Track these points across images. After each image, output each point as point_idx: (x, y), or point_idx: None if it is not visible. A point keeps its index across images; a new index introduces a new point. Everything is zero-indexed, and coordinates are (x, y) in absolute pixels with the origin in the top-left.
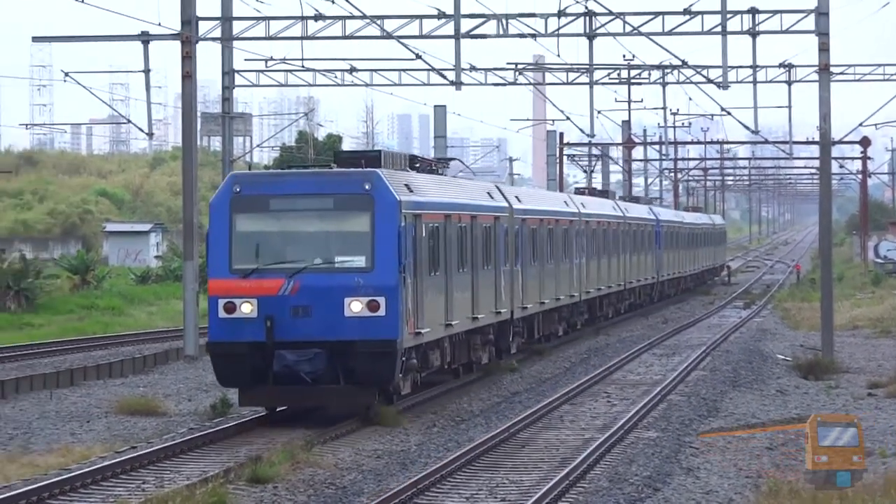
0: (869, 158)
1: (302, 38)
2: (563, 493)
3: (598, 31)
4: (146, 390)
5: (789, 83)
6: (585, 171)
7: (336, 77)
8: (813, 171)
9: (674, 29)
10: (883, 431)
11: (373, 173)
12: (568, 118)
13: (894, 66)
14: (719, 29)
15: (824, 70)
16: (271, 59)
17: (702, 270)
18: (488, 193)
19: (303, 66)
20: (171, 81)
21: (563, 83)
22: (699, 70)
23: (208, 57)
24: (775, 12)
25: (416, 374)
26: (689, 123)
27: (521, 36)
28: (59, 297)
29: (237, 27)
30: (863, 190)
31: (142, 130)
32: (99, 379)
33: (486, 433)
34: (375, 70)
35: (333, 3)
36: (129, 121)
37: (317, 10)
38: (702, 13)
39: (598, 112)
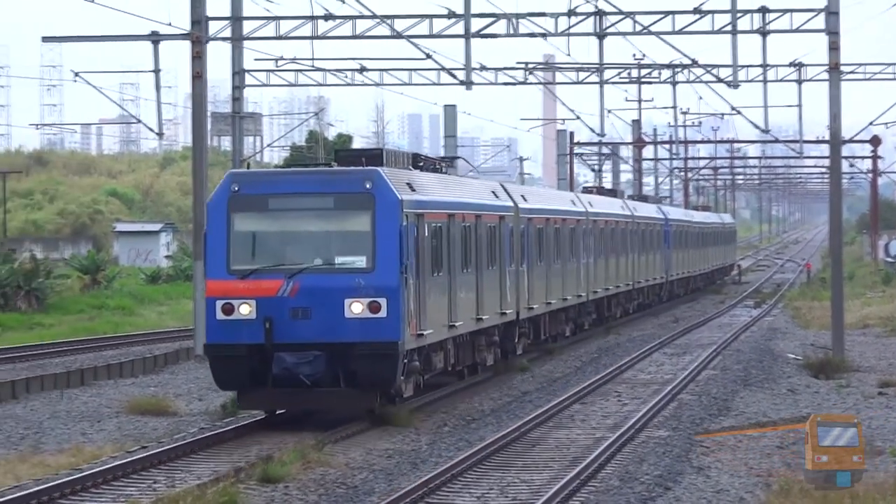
0: (879, 157)
1: (312, 37)
2: (574, 492)
3: (608, 31)
4: (157, 390)
5: (799, 82)
6: (594, 171)
7: (346, 77)
8: (823, 170)
9: (684, 28)
10: (893, 430)
11: (373, 172)
12: (578, 117)
13: None
14: (729, 28)
15: (834, 69)
16: (281, 58)
17: (711, 270)
18: (493, 192)
19: (313, 66)
20: (181, 81)
21: (574, 83)
22: (709, 69)
23: (218, 57)
24: (785, 11)
25: (418, 377)
26: (700, 122)
27: (532, 35)
28: (70, 297)
29: (247, 27)
30: (873, 189)
31: (152, 130)
32: (109, 379)
33: (497, 432)
34: (386, 70)
35: (343, 2)
36: (140, 121)
37: (327, 10)
38: (712, 12)
39: (609, 111)
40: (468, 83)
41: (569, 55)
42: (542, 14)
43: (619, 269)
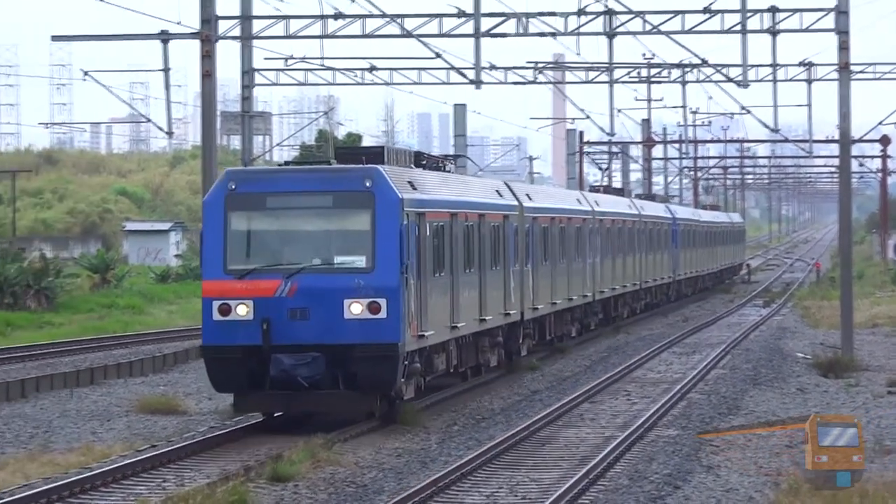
0: (889, 157)
1: (322, 36)
2: (584, 491)
3: (617, 30)
4: (166, 389)
5: (809, 81)
6: (601, 169)
7: (356, 76)
8: (833, 169)
9: (694, 27)
10: None
11: (373, 170)
12: (588, 117)
13: None
14: (739, 27)
15: (844, 68)
16: (291, 57)
17: (720, 269)
18: (497, 191)
19: (322, 65)
20: (190, 80)
21: (583, 82)
22: (719, 69)
23: (228, 56)
24: (795, 11)
25: (419, 379)
26: (709, 122)
27: (541, 35)
28: (80, 295)
29: (257, 26)
30: (882, 188)
31: (161, 129)
32: (119, 378)
33: (507, 431)
34: (395, 69)
35: (353, 1)
36: (149, 120)
37: (336, 9)
38: (722, 12)
39: (618, 111)
40: (478, 82)
41: (578, 54)
42: (552, 13)
43: (625, 269)
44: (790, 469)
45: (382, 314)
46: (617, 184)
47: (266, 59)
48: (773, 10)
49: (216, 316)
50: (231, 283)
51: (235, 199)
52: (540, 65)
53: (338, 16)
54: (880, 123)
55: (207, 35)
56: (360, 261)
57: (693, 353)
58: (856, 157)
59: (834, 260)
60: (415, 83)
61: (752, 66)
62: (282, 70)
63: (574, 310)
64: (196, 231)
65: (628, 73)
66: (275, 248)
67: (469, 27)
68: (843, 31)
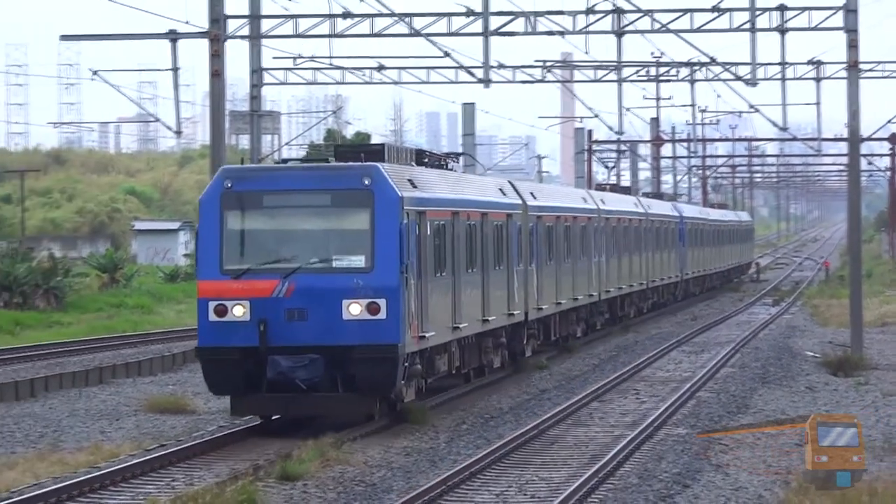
0: None
1: (330, 35)
2: (593, 489)
3: (626, 29)
4: (175, 388)
5: (818, 80)
6: (607, 167)
7: (364, 75)
8: (842, 167)
9: (702, 26)
10: None
11: (372, 167)
12: (596, 115)
13: None
14: (748, 26)
15: (853, 67)
16: (299, 57)
17: (728, 268)
18: (500, 190)
19: (331, 64)
20: (199, 80)
21: (592, 80)
22: (728, 67)
23: (236, 55)
24: (804, 9)
25: (420, 381)
26: (718, 120)
27: (550, 33)
28: (88, 295)
29: (265, 25)
30: (891, 186)
31: (170, 129)
32: (128, 377)
33: (516, 430)
34: (404, 68)
35: (362, 0)
36: (158, 119)
37: (345, 8)
38: (730, 10)
39: (627, 109)
40: (486, 81)
41: (587, 53)
42: (561, 12)
43: (632, 268)
44: (800, 468)
45: (382, 315)
46: (626, 182)
47: (275, 58)
48: (782, 8)
49: (212, 317)
50: (227, 283)
51: (232, 197)
52: (548, 64)
53: (346, 15)
54: (889, 122)
55: (216, 34)
56: (358, 260)
57: (702, 352)
58: (864, 155)
59: (843, 258)
60: (423, 82)
61: (761, 64)
62: (290, 69)
63: (579, 310)
64: None
65: (637, 71)
66: (272, 248)
67: (478, 26)
68: (851, 30)
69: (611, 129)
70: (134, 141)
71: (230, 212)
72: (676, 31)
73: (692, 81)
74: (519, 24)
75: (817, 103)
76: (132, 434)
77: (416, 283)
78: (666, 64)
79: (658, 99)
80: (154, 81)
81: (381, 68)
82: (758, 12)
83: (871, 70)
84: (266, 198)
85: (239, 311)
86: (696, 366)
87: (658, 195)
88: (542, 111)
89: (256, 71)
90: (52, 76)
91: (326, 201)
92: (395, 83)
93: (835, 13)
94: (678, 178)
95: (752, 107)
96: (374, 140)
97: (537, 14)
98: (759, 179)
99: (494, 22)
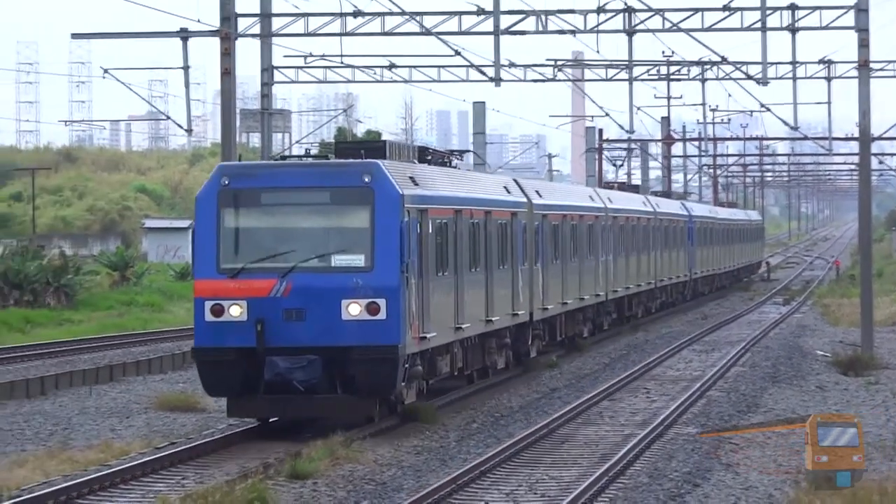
0: None
1: (341, 34)
2: (603, 488)
3: (637, 28)
4: (185, 386)
5: (829, 79)
6: (615, 166)
7: (375, 73)
8: (852, 167)
9: (713, 25)
10: None
11: (373, 164)
12: (607, 115)
13: None
14: (759, 25)
15: (864, 66)
16: (310, 55)
17: (738, 268)
18: (505, 187)
19: (342, 63)
20: (210, 78)
21: (603, 79)
22: (738, 66)
23: (247, 53)
24: (815, 9)
25: (421, 382)
26: (729, 119)
27: (561, 32)
28: (99, 293)
29: (276, 24)
30: None
31: (181, 127)
32: (138, 375)
33: (526, 429)
34: (414, 66)
35: None
36: (168, 117)
37: (356, 7)
38: (741, 9)
39: (638, 108)
40: (497, 80)
41: (598, 52)
42: (572, 11)
43: (640, 267)
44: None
45: (382, 315)
46: (637, 181)
47: (285, 56)
48: (793, 7)
49: (208, 317)
50: (224, 282)
51: (229, 194)
52: (559, 62)
53: (357, 13)
54: None
55: (227, 33)
56: (358, 259)
57: (713, 351)
58: (875, 154)
59: (853, 258)
60: (434, 81)
61: (772, 63)
62: (301, 68)
63: (586, 309)
64: None
65: (648, 70)
66: (269, 246)
67: (488, 25)
68: (862, 29)
69: (622, 127)
70: (145, 139)
71: (227, 209)
72: (687, 31)
73: (703, 80)
74: (530, 23)
75: (828, 102)
76: (142, 432)
77: (417, 283)
78: (677, 63)
79: (669, 98)
80: (165, 80)
81: (391, 67)
82: (768, 11)
83: (881, 69)
84: (264, 195)
85: (236, 311)
86: (706, 365)
87: (666, 194)
88: (552, 110)
89: (267, 69)
90: (63, 74)
91: (325, 199)
92: (406, 82)
93: (846, 12)
94: (689, 177)
95: (762, 106)
96: (385, 138)
97: (548, 13)
98: (769, 178)
99: (505, 20)
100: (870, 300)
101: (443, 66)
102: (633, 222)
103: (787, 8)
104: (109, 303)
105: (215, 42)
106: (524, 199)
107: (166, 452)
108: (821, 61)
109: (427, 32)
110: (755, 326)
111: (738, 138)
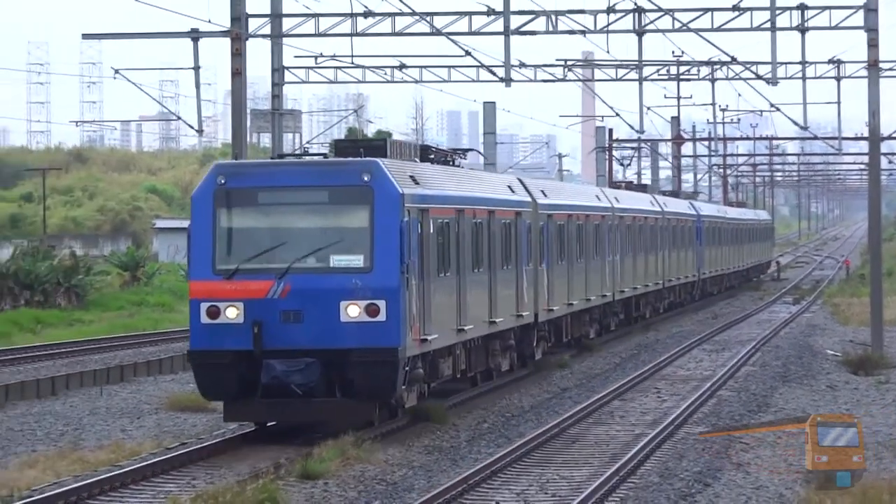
0: None
1: (351, 34)
2: (614, 488)
3: (647, 28)
4: (196, 387)
5: (838, 79)
6: (622, 165)
7: (385, 74)
8: (862, 166)
9: (723, 25)
10: None
11: (372, 163)
12: (617, 114)
13: None
14: (768, 25)
15: (873, 66)
16: (321, 55)
17: (746, 268)
18: (509, 187)
19: (352, 63)
20: (220, 78)
21: (613, 79)
22: (748, 66)
23: (258, 54)
24: (824, 8)
25: (422, 385)
26: (739, 119)
27: (571, 32)
28: (110, 293)
29: (287, 24)
30: None
31: (191, 127)
32: (149, 375)
33: (537, 429)
34: (425, 67)
35: None
36: (179, 118)
37: (366, 7)
38: (751, 9)
39: (648, 108)
40: (507, 80)
41: (608, 52)
42: (582, 11)
43: (647, 268)
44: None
45: (381, 317)
46: (647, 181)
47: (296, 57)
48: (803, 7)
49: (204, 319)
50: (220, 283)
51: (225, 194)
52: (569, 62)
53: (367, 14)
54: None
55: (237, 33)
56: (357, 260)
57: (723, 351)
58: (885, 154)
59: (863, 257)
60: (444, 81)
61: (782, 63)
62: (311, 68)
63: (592, 310)
64: None
65: (657, 70)
66: (266, 247)
67: (499, 25)
68: (872, 29)
69: (631, 127)
70: (155, 139)
71: (223, 209)
72: (697, 31)
73: (713, 80)
74: (540, 23)
75: (838, 102)
76: (153, 432)
77: (417, 284)
78: (686, 63)
79: (679, 98)
80: (175, 80)
81: (402, 67)
82: (778, 11)
83: (891, 69)
84: (261, 195)
85: (232, 313)
86: (716, 364)
87: (675, 193)
88: (563, 110)
89: (278, 70)
90: (73, 75)
91: (324, 198)
92: (417, 82)
93: (855, 12)
94: (699, 176)
95: (772, 106)
96: (395, 138)
97: (558, 13)
98: (779, 178)
99: (515, 21)
100: (880, 299)
101: (453, 67)
102: (640, 222)
103: (797, 8)
104: (120, 303)
105: (226, 42)
106: (528, 199)
107: (177, 453)
108: (830, 61)
109: (437, 33)
110: (765, 326)
111: (747, 138)
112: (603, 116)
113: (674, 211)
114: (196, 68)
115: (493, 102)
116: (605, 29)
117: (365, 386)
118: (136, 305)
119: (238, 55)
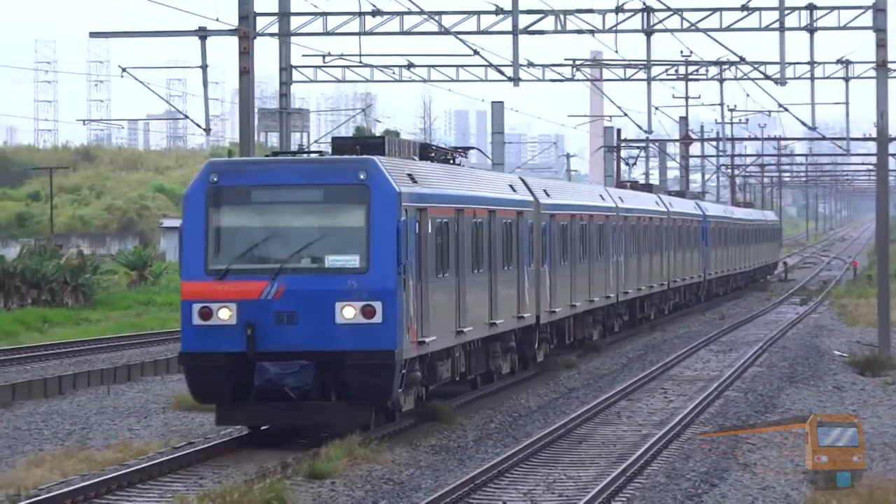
0: None
1: (359, 33)
2: (621, 488)
3: (655, 28)
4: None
5: (846, 79)
6: (628, 164)
7: (393, 73)
8: (870, 167)
9: (731, 25)
10: None
11: (368, 161)
12: (625, 114)
13: None
14: (777, 25)
15: (882, 66)
16: (329, 54)
17: (753, 268)
18: (511, 186)
19: (360, 62)
20: (228, 77)
21: (621, 79)
22: (756, 66)
23: (266, 53)
24: (833, 9)
25: (420, 388)
26: (747, 119)
27: (579, 32)
28: (117, 292)
29: (294, 23)
30: None
31: (199, 126)
32: (156, 375)
33: (544, 429)
34: (433, 66)
35: None
36: (187, 116)
37: (374, 6)
38: (759, 9)
39: (656, 108)
40: (516, 80)
41: (616, 52)
42: (590, 11)
43: (652, 268)
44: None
45: (378, 318)
46: (655, 181)
47: (304, 55)
48: (811, 7)
49: (196, 320)
50: (212, 284)
51: (217, 192)
52: (578, 62)
53: (375, 13)
54: None
55: (245, 32)
56: (353, 260)
57: (730, 351)
58: (893, 154)
59: (871, 258)
60: (452, 80)
61: (790, 63)
62: (319, 67)
63: (596, 312)
64: None
65: (666, 70)
66: (260, 247)
67: (507, 24)
68: (880, 29)
69: (640, 127)
70: (163, 138)
71: (216, 208)
72: (705, 30)
73: (721, 80)
74: (548, 23)
75: (846, 102)
76: (160, 432)
77: (415, 285)
78: (695, 63)
79: (687, 98)
80: (183, 79)
81: (410, 66)
82: (787, 11)
83: None
84: (254, 193)
85: (225, 315)
86: (723, 365)
87: (681, 193)
88: (571, 110)
89: (285, 68)
90: (81, 73)
91: (319, 197)
92: (425, 81)
93: (864, 12)
94: (707, 177)
95: (780, 106)
96: (403, 137)
97: (567, 12)
98: (787, 178)
99: (524, 20)
100: (887, 300)
101: (461, 66)
102: (644, 222)
103: (805, 8)
104: (127, 302)
105: (234, 41)
106: (531, 199)
107: (184, 452)
108: (838, 61)
109: (445, 32)
110: (772, 327)
111: (755, 138)
112: (611, 116)
113: (679, 211)
114: (204, 67)
115: (502, 102)
116: (614, 28)
117: (360, 389)
118: (144, 305)
119: (246, 54)
